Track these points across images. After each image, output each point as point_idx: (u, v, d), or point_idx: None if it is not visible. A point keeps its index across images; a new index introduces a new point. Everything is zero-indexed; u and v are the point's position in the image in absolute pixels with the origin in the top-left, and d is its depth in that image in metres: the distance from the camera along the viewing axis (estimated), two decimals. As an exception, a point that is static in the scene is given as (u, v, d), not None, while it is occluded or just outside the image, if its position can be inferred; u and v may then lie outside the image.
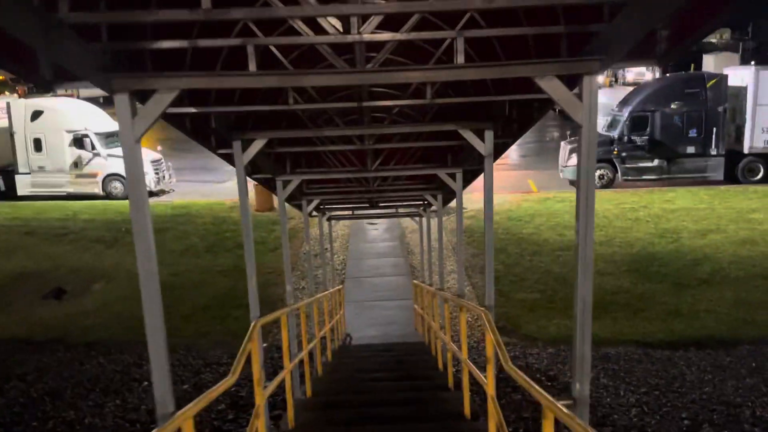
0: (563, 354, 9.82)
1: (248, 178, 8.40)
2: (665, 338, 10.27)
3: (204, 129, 4.92)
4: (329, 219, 10.90)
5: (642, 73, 59.58)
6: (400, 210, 10.27)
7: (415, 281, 10.96)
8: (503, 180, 22.04)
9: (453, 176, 6.83)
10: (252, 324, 4.49)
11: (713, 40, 66.11)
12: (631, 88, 27.92)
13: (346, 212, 10.86)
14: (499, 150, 5.14)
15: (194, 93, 4.30)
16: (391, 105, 5.84)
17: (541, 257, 14.70)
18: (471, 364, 5.18)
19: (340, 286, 11.82)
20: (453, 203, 11.72)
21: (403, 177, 8.85)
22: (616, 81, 61.77)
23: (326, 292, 8.77)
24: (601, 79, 60.38)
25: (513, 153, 29.41)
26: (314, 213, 10.79)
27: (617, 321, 10.99)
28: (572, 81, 3.30)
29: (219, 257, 15.97)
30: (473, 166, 6.90)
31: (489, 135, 4.86)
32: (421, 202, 9.31)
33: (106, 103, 45.13)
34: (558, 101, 3.10)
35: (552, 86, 3.08)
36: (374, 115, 6.81)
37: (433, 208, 10.56)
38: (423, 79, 3.86)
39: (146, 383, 8.92)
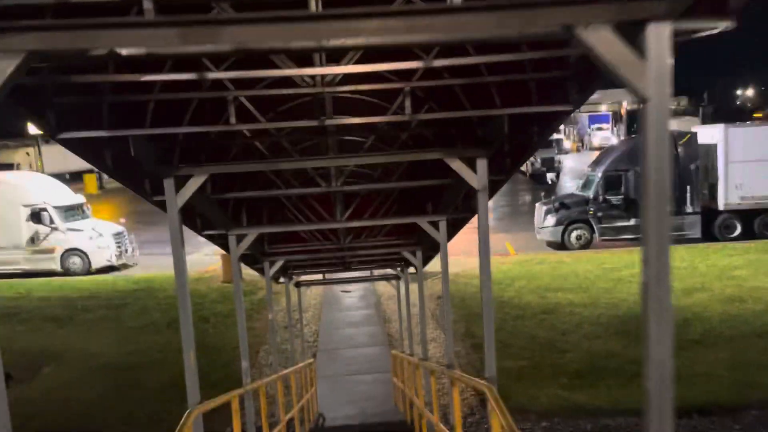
0: (558, 428, 8.92)
1: (218, 246, 7.50)
2: (666, 406, 9.44)
3: (129, 166, 4.11)
4: (297, 285, 10.04)
5: (607, 138, 61.07)
6: (376, 273, 9.47)
7: (393, 351, 10.06)
8: (475, 242, 21.44)
9: (436, 225, 5.96)
10: (185, 414, 3.59)
11: (672, 107, 68.54)
12: (597, 153, 28.25)
13: (316, 276, 9.94)
14: (491, 187, 4.32)
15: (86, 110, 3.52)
16: (361, 123, 4.99)
17: (524, 321, 13.93)
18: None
19: (311, 360, 10.84)
20: (429, 267, 10.99)
21: (377, 231, 8.12)
22: (583, 146, 63.11)
23: (294, 368, 7.82)
24: (568, 144, 61.65)
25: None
26: (281, 280, 9.94)
27: (612, 388, 10.16)
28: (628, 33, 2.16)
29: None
30: (458, 214, 6.15)
31: (482, 164, 4.11)
32: (399, 262, 8.55)
33: (72, 180, 44.26)
34: (610, 63, 2.04)
35: (602, 40, 2.01)
36: (341, 140, 6.03)
37: (411, 270, 9.82)
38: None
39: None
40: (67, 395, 11.72)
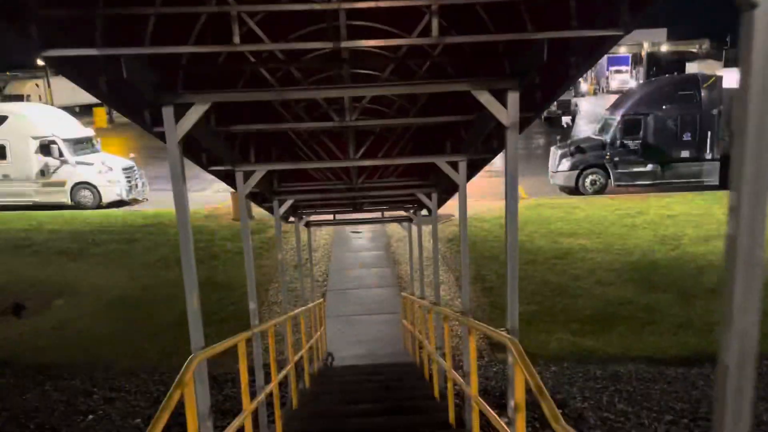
0: (568, 373, 8.87)
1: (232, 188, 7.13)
2: (678, 354, 9.36)
3: (126, 92, 3.79)
4: (307, 225, 9.85)
5: (626, 81, 59.55)
6: (388, 215, 9.23)
7: (403, 294, 9.97)
8: (489, 187, 21.17)
9: (455, 166, 5.57)
10: (187, 360, 3.43)
11: (693, 50, 66.39)
12: (615, 97, 27.32)
13: (326, 216, 9.70)
14: (520, 125, 3.91)
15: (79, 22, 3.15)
16: (380, 48, 4.58)
17: (535, 266, 13.79)
18: (486, 406, 4.12)
19: (321, 300, 10.80)
20: (439, 210, 10.72)
21: (391, 171, 7.78)
22: (600, 89, 61.66)
23: (304, 308, 7.73)
24: (585, 86, 60.19)
25: (498, 160, 28.48)
26: (291, 219, 9.75)
27: (624, 335, 10.07)
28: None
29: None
30: (479, 155, 5.75)
31: (513, 98, 3.70)
32: (412, 205, 8.30)
33: (82, 113, 43.89)
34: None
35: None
36: (356, 74, 5.64)
37: (424, 212, 9.58)
38: None
39: (91, 417, 7.80)
40: (79, 327, 11.81)
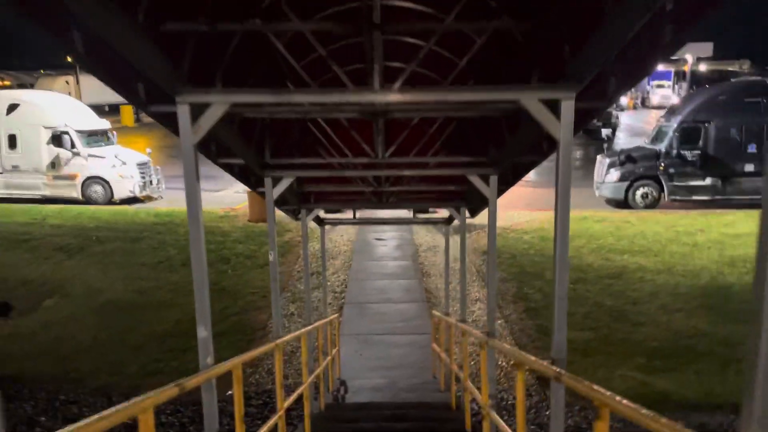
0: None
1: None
2: (776, 403, 7.48)
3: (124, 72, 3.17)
4: (321, 223, 8.27)
5: (668, 97, 57.33)
6: (419, 216, 7.67)
7: (435, 312, 8.27)
8: (524, 197, 19.41)
9: (486, 180, 4.89)
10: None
11: (735, 69, 64.16)
12: (656, 112, 25.36)
13: (347, 215, 8.19)
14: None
15: None
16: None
17: (586, 286, 11.96)
18: None
19: (335, 315, 9.15)
20: (475, 219, 9.07)
21: (420, 176, 6.41)
22: (641, 103, 59.41)
23: (311, 326, 6.08)
24: (625, 100, 58.29)
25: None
26: (307, 219, 8.21)
27: (704, 376, 8.23)
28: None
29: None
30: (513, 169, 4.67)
31: (568, 107, 3.15)
32: (453, 202, 6.75)
33: (111, 113, 43.23)
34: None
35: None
36: (388, 65, 4.43)
37: (455, 222, 8.03)
38: None
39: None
40: (62, 334, 10.38)
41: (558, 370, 2.63)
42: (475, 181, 4.71)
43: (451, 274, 9.91)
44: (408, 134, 5.19)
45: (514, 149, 4.28)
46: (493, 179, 4.70)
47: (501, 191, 5.04)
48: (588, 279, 12.30)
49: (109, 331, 10.19)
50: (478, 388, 4.95)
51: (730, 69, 64.14)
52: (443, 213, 8.08)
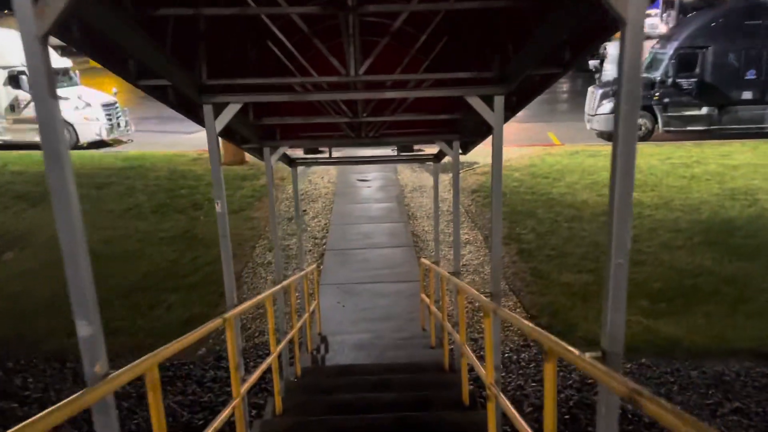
0: (651, 374, 6.48)
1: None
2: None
3: None
4: (291, 163, 7.33)
5: (655, 26, 55.70)
6: (404, 154, 6.76)
7: (423, 260, 7.54)
8: (515, 132, 18.56)
9: (489, 102, 3.85)
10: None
11: (725, -4, 62.32)
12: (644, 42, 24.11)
13: (320, 155, 7.19)
14: None
15: None
16: None
17: (582, 224, 11.30)
18: None
19: (313, 266, 8.38)
20: (465, 157, 8.12)
21: (402, 109, 5.44)
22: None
23: (280, 285, 5.26)
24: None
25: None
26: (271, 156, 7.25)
27: (712, 318, 7.65)
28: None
29: (166, 220, 12.49)
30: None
31: None
32: (443, 135, 5.84)
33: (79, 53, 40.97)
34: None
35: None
36: None
37: (446, 159, 7.16)
38: None
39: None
40: (20, 290, 9.56)
41: (633, 387, 1.66)
42: (476, 103, 3.75)
43: (439, 216, 9.15)
44: (389, 45, 4.23)
45: (535, 52, 3.26)
46: (499, 100, 3.75)
47: (506, 118, 4.11)
48: (583, 217, 11.62)
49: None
50: (480, 357, 4.22)
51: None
52: (431, 150, 7.19)
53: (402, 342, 7.10)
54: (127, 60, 3.30)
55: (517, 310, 8.22)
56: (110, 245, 11.18)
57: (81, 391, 1.93)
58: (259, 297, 4.34)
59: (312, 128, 6.05)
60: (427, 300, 6.86)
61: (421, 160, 7.28)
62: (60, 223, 2.07)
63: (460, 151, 5.96)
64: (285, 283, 5.49)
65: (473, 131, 5.45)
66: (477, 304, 8.31)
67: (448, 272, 5.31)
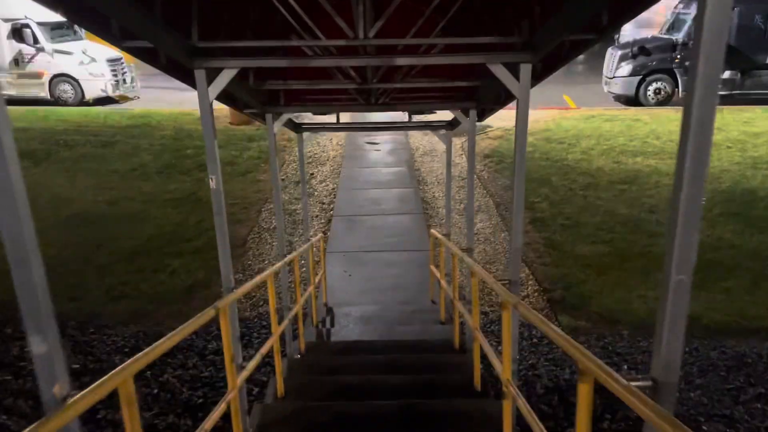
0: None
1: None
2: (817, 326, 6.68)
3: None
4: (297, 129, 7.03)
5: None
6: (414, 121, 6.39)
7: (433, 231, 7.26)
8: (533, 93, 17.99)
9: (514, 70, 3.46)
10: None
11: None
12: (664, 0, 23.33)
13: (327, 119, 6.85)
14: None
15: None
16: None
17: (597, 192, 10.96)
18: None
19: (320, 235, 8.13)
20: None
21: (415, 74, 5.05)
22: None
23: (281, 262, 5.01)
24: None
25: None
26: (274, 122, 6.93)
27: (734, 295, 7.39)
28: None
29: (172, 181, 12.24)
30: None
31: None
32: (456, 101, 5.49)
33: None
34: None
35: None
36: None
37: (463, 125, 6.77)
38: None
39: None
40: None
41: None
42: (499, 71, 3.38)
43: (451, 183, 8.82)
44: (401, 4, 3.83)
45: (570, 16, 2.86)
46: (525, 69, 3.37)
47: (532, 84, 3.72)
48: (599, 185, 11.27)
49: (74, 247, 9.20)
50: (497, 350, 3.96)
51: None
52: (444, 115, 6.82)
53: (410, 315, 6.89)
54: (109, 18, 2.95)
55: (530, 282, 7.97)
56: (115, 206, 10.98)
57: (37, 422, 1.67)
58: (258, 278, 4.10)
59: (318, 93, 5.71)
60: (437, 273, 6.61)
61: (434, 128, 6.93)
62: (4, 220, 1.68)
63: (477, 120, 5.62)
64: (288, 258, 5.24)
65: (493, 99, 5.10)
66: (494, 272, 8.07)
67: (461, 248, 5.03)
